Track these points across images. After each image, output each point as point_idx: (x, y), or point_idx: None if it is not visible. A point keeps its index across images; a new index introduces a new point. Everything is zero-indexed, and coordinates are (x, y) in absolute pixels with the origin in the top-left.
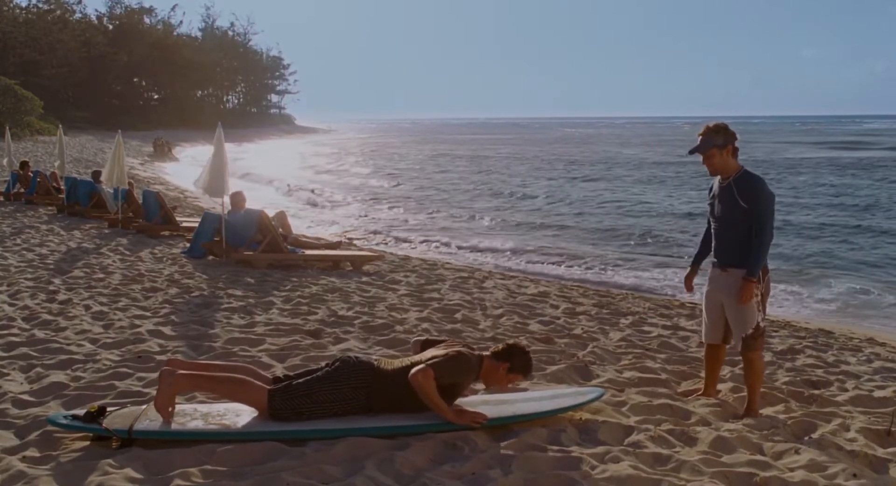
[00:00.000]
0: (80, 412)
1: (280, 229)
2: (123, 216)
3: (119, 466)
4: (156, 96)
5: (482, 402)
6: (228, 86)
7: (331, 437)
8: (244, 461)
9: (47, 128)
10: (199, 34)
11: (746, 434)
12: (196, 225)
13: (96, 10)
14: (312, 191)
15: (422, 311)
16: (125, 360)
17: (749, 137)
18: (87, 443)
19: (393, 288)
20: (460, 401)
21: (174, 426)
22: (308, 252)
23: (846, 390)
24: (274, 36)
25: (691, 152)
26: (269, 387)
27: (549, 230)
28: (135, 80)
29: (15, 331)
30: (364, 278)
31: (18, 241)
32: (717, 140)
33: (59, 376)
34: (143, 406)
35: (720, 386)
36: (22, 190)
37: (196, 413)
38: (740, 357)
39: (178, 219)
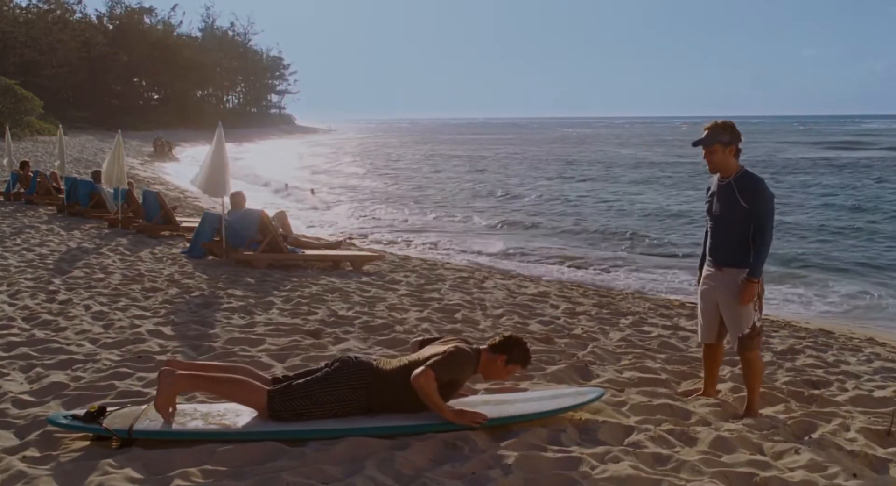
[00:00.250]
0: (80, 412)
1: (280, 229)
2: (123, 216)
3: (119, 466)
4: (156, 96)
5: (482, 402)
6: (228, 86)
7: (331, 437)
8: (244, 461)
9: (47, 128)
10: (199, 34)
11: (746, 434)
12: (196, 225)
13: (96, 10)
14: (312, 191)
15: (422, 311)
16: (125, 360)
17: (748, 136)
18: (87, 443)
19: (393, 288)
20: (461, 401)
21: (174, 426)
22: (308, 252)
23: (846, 391)
24: (274, 36)
25: (695, 144)
26: (268, 388)
27: (547, 231)
28: (135, 80)
29: (15, 331)
30: (364, 278)
31: (18, 241)
32: (723, 137)
33: (59, 376)
34: (143, 406)
35: (720, 386)
36: (22, 190)
37: (196, 413)
38: (740, 358)
39: (178, 219)
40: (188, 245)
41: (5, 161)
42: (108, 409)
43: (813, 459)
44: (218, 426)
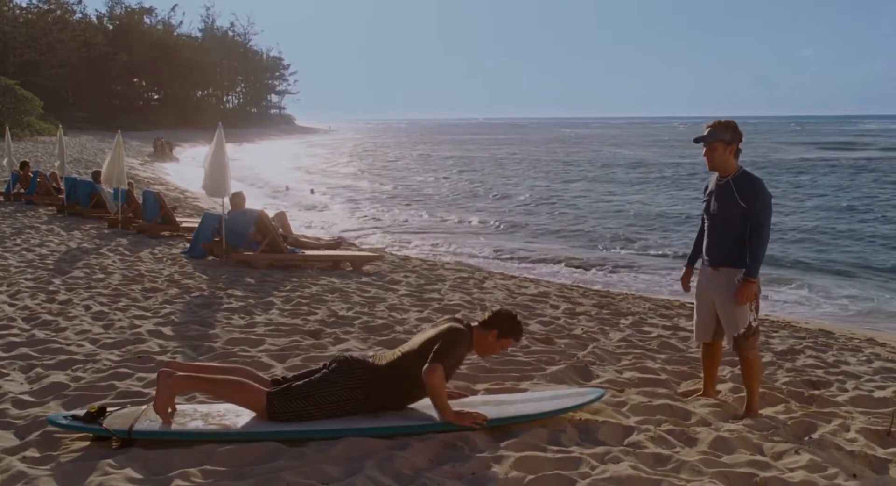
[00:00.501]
0: (80, 412)
1: (280, 230)
2: (123, 216)
3: (119, 466)
4: (156, 96)
5: (482, 403)
6: (228, 86)
7: (331, 437)
8: (244, 461)
9: (47, 128)
10: (199, 34)
11: (746, 434)
12: (196, 225)
13: (96, 11)
14: (312, 191)
15: (422, 311)
16: (125, 360)
17: (746, 137)
18: (87, 443)
19: (393, 288)
20: (461, 402)
21: (174, 427)
22: (308, 252)
23: (846, 391)
24: (274, 36)
25: (697, 141)
26: (267, 390)
27: (547, 231)
28: (135, 80)
29: (15, 331)
30: (364, 279)
31: (18, 241)
32: (724, 135)
33: (59, 377)
34: (143, 407)
35: (720, 386)
36: (22, 190)
37: (196, 414)
38: (739, 358)
39: (177, 219)
40: (188, 245)
41: (5, 161)
42: (108, 409)
43: (813, 459)
44: (218, 427)
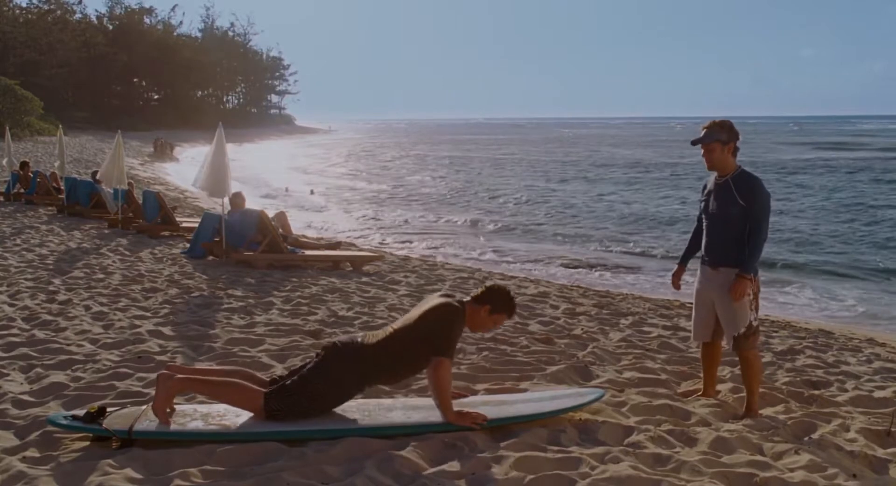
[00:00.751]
0: (80, 412)
1: (280, 230)
2: (123, 216)
3: (119, 466)
4: (156, 96)
5: (482, 403)
6: (228, 86)
7: (331, 437)
8: (244, 461)
9: (47, 128)
10: (199, 34)
11: (746, 435)
12: (196, 225)
13: (96, 11)
14: (312, 191)
15: None
16: (125, 360)
17: (744, 137)
18: (87, 443)
19: (393, 288)
20: (461, 402)
21: (174, 427)
22: (308, 252)
23: (846, 391)
24: (274, 36)
25: (694, 143)
26: (264, 390)
27: (546, 231)
28: (135, 80)
29: (15, 331)
30: (364, 279)
31: (18, 241)
32: (721, 135)
33: (59, 377)
34: (143, 407)
35: (720, 386)
36: (22, 190)
37: (196, 414)
38: (738, 357)
39: (177, 219)
40: (188, 245)
41: (5, 161)
42: (108, 409)
43: (813, 459)
44: (218, 427)
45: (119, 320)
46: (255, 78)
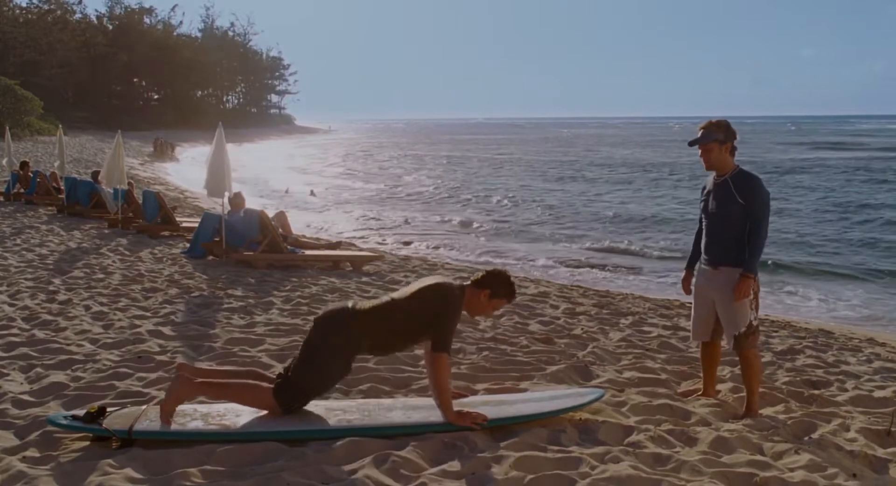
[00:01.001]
0: (80, 412)
1: (280, 230)
2: (123, 216)
3: (119, 466)
4: (156, 96)
5: (482, 403)
6: (228, 86)
7: (331, 437)
8: (244, 461)
9: (47, 128)
10: (198, 34)
11: (746, 434)
12: (196, 225)
13: (96, 11)
14: (312, 192)
15: None
16: (125, 360)
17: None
18: (87, 443)
19: (393, 288)
20: (461, 402)
21: (174, 427)
22: (308, 252)
23: (846, 391)
24: (274, 36)
25: (692, 144)
26: (272, 386)
27: (546, 232)
28: (135, 80)
29: (15, 331)
30: (364, 279)
31: (18, 241)
32: (718, 135)
33: (59, 377)
34: (143, 407)
35: (720, 386)
36: (22, 190)
37: (196, 414)
38: (738, 357)
39: (177, 219)
40: (188, 245)
41: (5, 161)
42: (108, 409)
43: (813, 459)
44: (218, 427)
45: (119, 319)
46: (255, 78)
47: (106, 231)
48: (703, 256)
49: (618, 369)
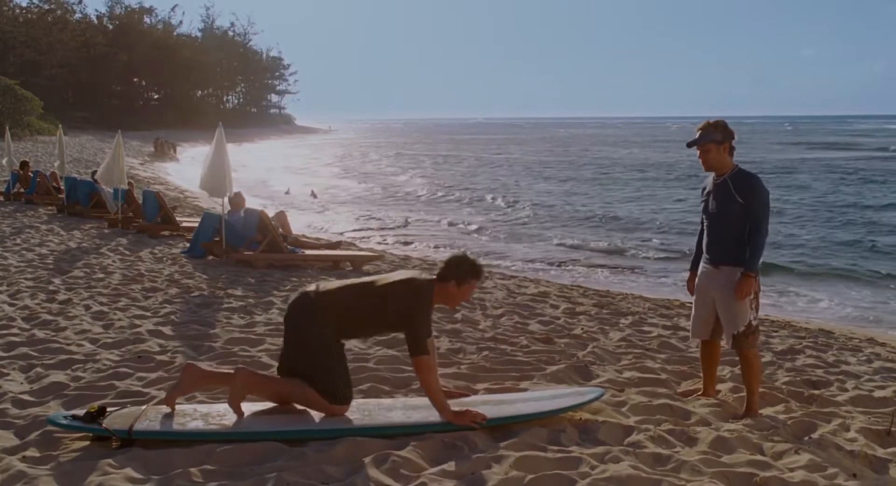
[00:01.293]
0: (80, 412)
1: (280, 229)
2: (123, 216)
3: (119, 466)
4: (156, 96)
5: (482, 402)
6: (228, 86)
7: (331, 437)
8: (244, 461)
9: (47, 128)
10: (198, 34)
11: (746, 434)
12: (196, 225)
13: (96, 10)
14: (313, 193)
15: None
16: (125, 360)
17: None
18: (87, 443)
19: None
20: (460, 401)
21: (174, 427)
22: (308, 252)
23: (846, 391)
24: (274, 36)
25: (690, 145)
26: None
27: (546, 232)
28: (135, 80)
29: (15, 331)
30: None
31: (18, 241)
32: (715, 135)
33: (59, 376)
34: (143, 406)
35: (720, 386)
36: (22, 190)
37: (196, 414)
38: (738, 357)
39: (177, 219)
40: (188, 245)
41: (5, 161)
42: (108, 409)
43: (813, 459)
44: (218, 427)
45: (119, 319)
46: (255, 78)
47: (106, 231)
48: (704, 255)
49: (618, 369)
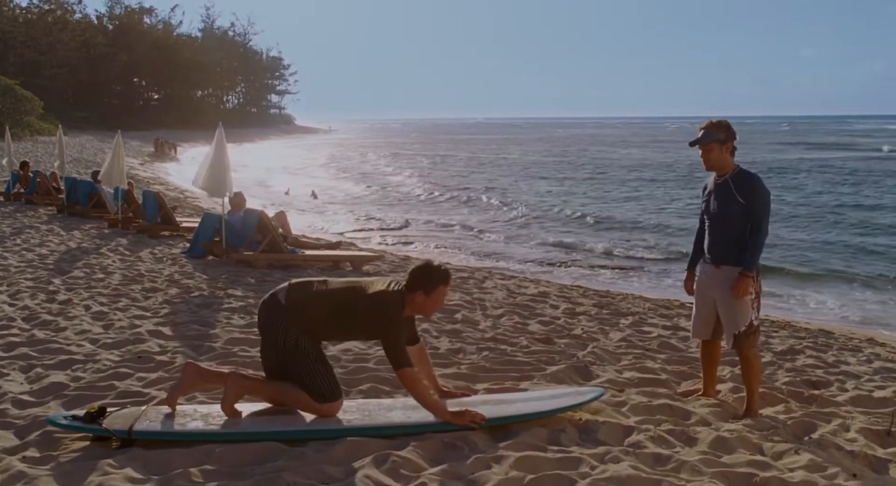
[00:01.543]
0: (80, 412)
1: (280, 229)
2: (123, 216)
3: (119, 466)
4: (156, 96)
5: (481, 402)
6: (228, 86)
7: (331, 437)
8: (244, 461)
9: (47, 128)
10: (198, 34)
11: (746, 434)
12: (196, 225)
13: (96, 11)
14: (313, 193)
15: None
16: (125, 360)
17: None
18: (87, 443)
19: None
20: (460, 401)
21: (174, 427)
22: (308, 252)
23: (846, 391)
24: (274, 36)
25: (692, 144)
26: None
27: (546, 232)
28: (135, 80)
29: (15, 331)
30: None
31: (18, 241)
32: (719, 135)
33: (59, 377)
34: (143, 407)
35: (720, 386)
36: (22, 190)
37: (196, 414)
38: (739, 357)
39: (177, 219)
40: (188, 245)
41: (5, 161)
42: (108, 409)
43: (813, 459)
44: (218, 427)
45: (119, 319)
46: (255, 78)
47: (106, 231)
48: (705, 255)
49: (618, 370)
